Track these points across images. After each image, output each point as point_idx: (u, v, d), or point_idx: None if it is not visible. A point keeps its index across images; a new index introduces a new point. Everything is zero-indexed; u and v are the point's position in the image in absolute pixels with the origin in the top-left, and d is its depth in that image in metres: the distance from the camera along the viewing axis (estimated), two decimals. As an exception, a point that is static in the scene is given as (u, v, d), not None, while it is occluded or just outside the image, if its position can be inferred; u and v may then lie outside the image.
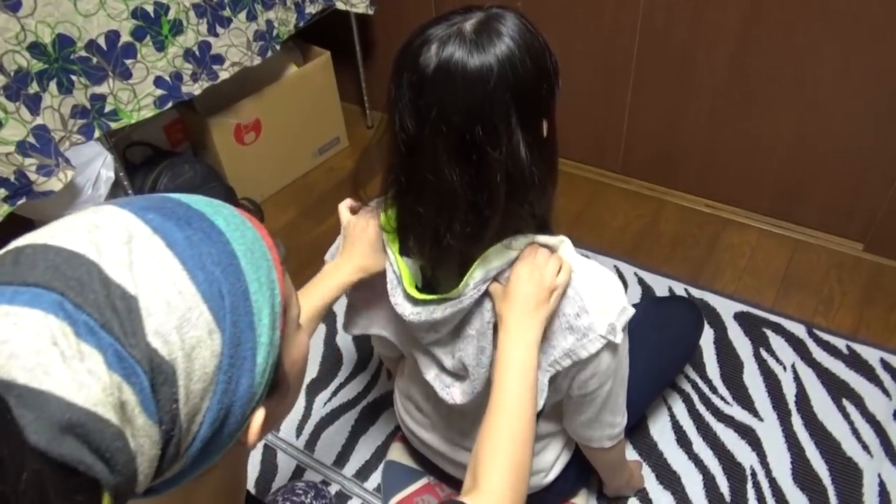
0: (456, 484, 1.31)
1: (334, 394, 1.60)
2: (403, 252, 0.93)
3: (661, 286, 1.79)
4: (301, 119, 2.18)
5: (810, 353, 1.60)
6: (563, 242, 0.90)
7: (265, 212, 2.12)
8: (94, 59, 1.48)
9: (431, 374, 1.01)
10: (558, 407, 1.05)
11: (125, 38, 1.51)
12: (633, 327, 0.95)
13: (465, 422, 1.10)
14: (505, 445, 0.79)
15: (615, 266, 1.85)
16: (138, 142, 1.92)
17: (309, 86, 2.17)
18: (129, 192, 1.74)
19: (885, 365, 1.56)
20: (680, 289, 1.78)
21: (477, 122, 0.75)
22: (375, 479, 1.43)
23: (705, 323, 1.53)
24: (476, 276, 0.86)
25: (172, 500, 0.45)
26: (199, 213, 0.44)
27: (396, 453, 1.40)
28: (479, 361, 0.91)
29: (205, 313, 0.40)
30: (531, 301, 0.84)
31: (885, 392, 1.51)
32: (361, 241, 0.98)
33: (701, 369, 1.58)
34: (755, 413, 1.49)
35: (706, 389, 1.54)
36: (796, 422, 1.47)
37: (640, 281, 1.81)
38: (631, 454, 1.43)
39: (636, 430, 1.46)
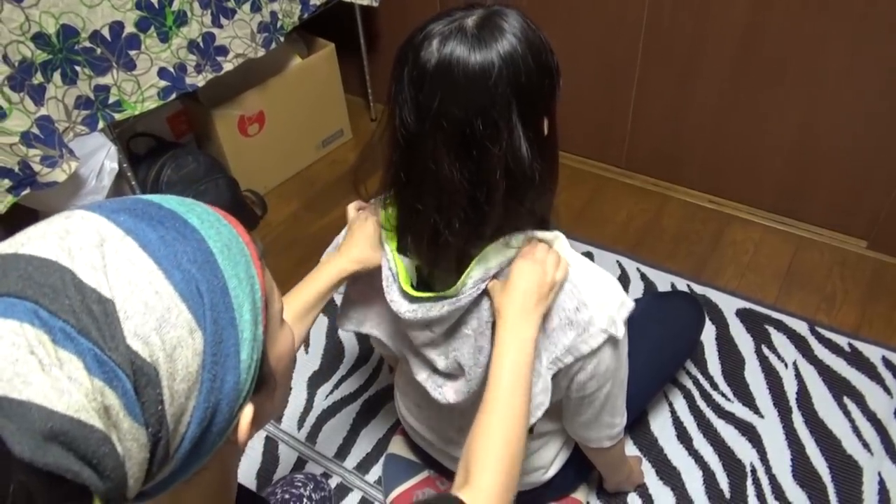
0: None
1: (336, 386, 1.61)
2: (401, 250, 0.92)
3: (664, 282, 1.79)
4: (305, 111, 2.18)
5: (812, 351, 1.60)
6: (557, 238, 0.90)
7: (268, 204, 2.12)
8: (99, 50, 1.48)
9: (423, 376, 1.00)
10: (558, 405, 1.04)
11: (129, 28, 1.51)
12: (634, 321, 0.94)
13: (463, 419, 1.09)
14: (497, 441, 0.79)
15: (618, 261, 1.85)
16: (142, 133, 1.92)
17: (313, 78, 2.17)
18: (133, 183, 1.74)
19: (887, 363, 1.56)
20: (682, 284, 1.78)
21: (477, 118, 0.75)
22: (376, 471, 1.43)
23: (707, 319, 1.53)
24: (475, 275, 0.85)
25: (161, 503, 0.45)
26: (171, 213, 0.43)
27: (397, 446, 1.41)
28: (476, 361, 0.91)
29: (184, 312, 0.40)
30: (532, 297, 0.84)
31: (887, 390, 1.51)
32: (360, 235, 0.98)
33: (702, 365, 1.58)
34: (756, 410, 1.49)
35: (707, 386, 1.54)
36: (797, 419, 1.47)
37: (643, 276, 1.81)
38: (631, 449, 1.44)
39: (636, 426, 1.47)
